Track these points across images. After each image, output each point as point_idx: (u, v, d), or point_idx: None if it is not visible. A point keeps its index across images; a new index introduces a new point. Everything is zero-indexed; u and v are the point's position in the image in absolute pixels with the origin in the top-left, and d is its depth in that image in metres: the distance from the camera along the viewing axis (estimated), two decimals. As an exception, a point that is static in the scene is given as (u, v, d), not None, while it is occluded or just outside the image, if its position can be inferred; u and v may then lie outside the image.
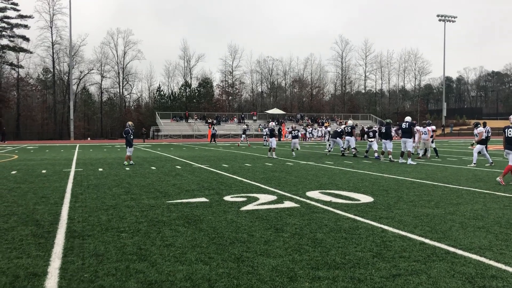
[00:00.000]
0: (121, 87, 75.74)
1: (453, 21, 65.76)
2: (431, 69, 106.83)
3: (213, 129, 40.85)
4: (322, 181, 10.66)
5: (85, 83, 73.93)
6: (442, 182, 10.42)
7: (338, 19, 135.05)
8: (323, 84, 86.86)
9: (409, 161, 15.54)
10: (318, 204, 7.41)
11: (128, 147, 15.64)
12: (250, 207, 7.12)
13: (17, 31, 63.66)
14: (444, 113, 68.03)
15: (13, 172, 13.07)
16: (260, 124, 57.70)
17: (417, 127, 18.76)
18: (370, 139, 18.92)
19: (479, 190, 9.02)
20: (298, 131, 22.46)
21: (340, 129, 20.75)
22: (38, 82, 71.71)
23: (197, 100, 75.43)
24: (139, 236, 5.28)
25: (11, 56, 64.60)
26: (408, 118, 16.52)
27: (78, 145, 36.31)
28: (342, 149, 20.39)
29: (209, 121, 55.90)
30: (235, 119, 63.15)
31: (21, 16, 62.90)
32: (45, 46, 66.61)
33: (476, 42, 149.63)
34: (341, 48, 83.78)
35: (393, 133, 17.73)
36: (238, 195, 8.41)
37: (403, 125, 16.21)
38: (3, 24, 62.93)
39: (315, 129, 48.32)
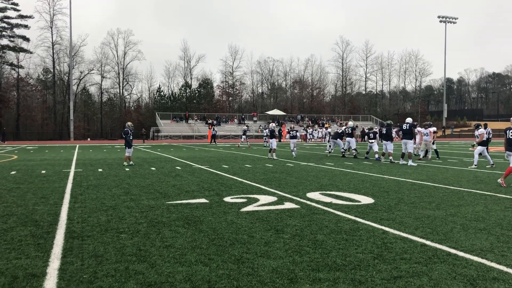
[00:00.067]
0: (121, 88, 75.80)
1: (454, 22, 65.79)
2: (432, 70, 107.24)
3: (213, 130, 40.84)
4: (323, 182, 10.63)
5: (85, 84, 74.02)
6: (443, 183, 10.39)
7: (339, 20, 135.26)
8: (324, 85, 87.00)
9: (410, 163, 15.51)
10: (318, 205, 7.38)
11: (127, 147, 15.59)
12: (250, 208, 7.09)
13: (17, 31, 63.82)
14: (445, 115, 68.01)
15: (13, 173, 13.05)
16: (260, 125, 57.69)
17: (419, 128, 18.73)
18: (370, 140, 18.90)
19: (480, 192, 9.00)
20: (297, 131, 22.46)
21: (341, 130, 20.74)
22: (38, 82, 71.73)
23: (197, 101, 75.44)
24: (139, 237, 5.26)
25: (11, 56, 64.75)
26: (409, 119, 16.50)
27: (77, 145, 36.30)
28: (342, 150, 20.37)
29: (209, 122, 55.88)
30: (235, 120, 63.14)
31: (21, 16, 62.97)
32: (45, 46, 66.75)
33: (477, 44, 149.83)
34: (342, 49, 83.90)
35: (393, 134, 17.71)
36: (238, 196, 8.39)
37: (404, 126, 16.19)
38: (3, 24, 63.01)
39: (315, 130, 48.29)
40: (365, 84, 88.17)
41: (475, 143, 15.43)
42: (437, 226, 5.84)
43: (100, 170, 13.89)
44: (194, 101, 75.18)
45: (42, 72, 71.12)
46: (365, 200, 7.92)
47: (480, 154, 14.84)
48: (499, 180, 10.14)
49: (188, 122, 60.12)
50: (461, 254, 4.56)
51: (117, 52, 74.01)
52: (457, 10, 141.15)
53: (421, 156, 18.41)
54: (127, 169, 14.02)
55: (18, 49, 63.72)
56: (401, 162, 16.03)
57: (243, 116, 63.90)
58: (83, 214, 6.68)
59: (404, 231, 5.53)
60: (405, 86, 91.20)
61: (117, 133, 66.19)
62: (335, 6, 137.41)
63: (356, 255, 4.51)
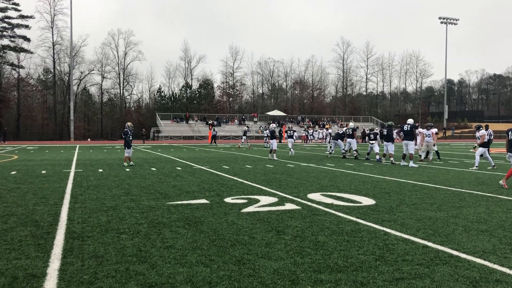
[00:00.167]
0: (121, 88, 75.87)
1: (455, 24, 65.75)
2: (433, 71, 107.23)
3: (214, 130, 40.82)
4: (323, 183, 10.61)
5: (85, 84, 74.10)
6: (444, 185, 10.36)
7: (339, 21, 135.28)
8: (324, 86, 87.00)
9: (411, 164, 15.48)
10: (319, 206, 7.35)
11: (126, 148, 15.54)
12: (251, 209, 7.07)
13: (18, 31, 63.86)
14: (446, 116, 67.97)
15: (13, 173, 13.03)
16: (260, 126, 57.67)
17: (420, 129, 18.70)
18: (371, 141, 18.87)
19: (482, 193, 8.97)
20: (294, 131, 22.54)
21: (342, 131, 20.73)
22: (39, 83, 71.80)
23: (197, 101, 75.46)
24: (139, 237, 5.24)
25: (11, 56, 64.80)
26: (410, 121, 16.48)
27: (78, 145, 36.29)
28: (343, 151, 20.35)
29: (209, 122, 55.87)
30: (236, 121, 63.13)
31: (22, 16, 63.01)
32: (46, 47, 66.89)
33: (478, 45, 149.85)
34: (343, 50, 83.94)
35: (394, 135, 17.69)
36: (239, 197, 8.36)
37: (405, 127, 16.16)
38: (4, 24, 63.05)
39: (316, 131, 48.29)
40: (366, 85, 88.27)
41: (476, 144, 15.40)
42: (439, 227, 5.81)
43: (100, 170, 13.87)
44: (195, 102, 75.20)
45: (43, 72, 71.25)
46: (366, 201, 7.90)
47: (481, 155, 14.82)
48: (500, 182, 10.11)
49: (189, 122, 60.12)
50: (463, 256, 4.53)
51: (117, 52, 74.17)
52: (458, 11, 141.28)
53: (422, 157, 18.39)
54: (127, 170, 14.00)
55: (18, 49, 63.77)
56: (402, 163, 16.01)
57: (243, 117, 63.88)
58: (83, 214, 6.66)
59: (406, 233, 5.50)
60: (406, 87, 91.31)
61: (118, 134, 66.22)
62: (336, 7, 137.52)
63: (357, 256, 4.48)
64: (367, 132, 21.54)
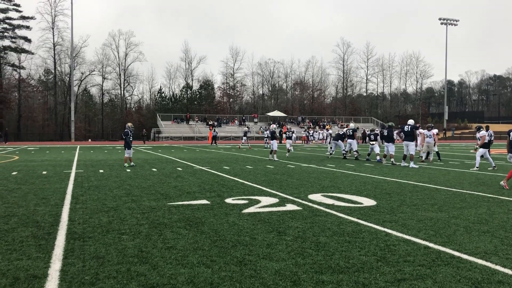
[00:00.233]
0: (122, 89, 75.90)
1: (455, 25, 65.77)
2: (433, 72, 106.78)
3: (214, 131, 40.84)
4: (324, 184, 10.60)
5: (86, 85, 74.16)
6: (445, 185, 10.35)
7: (339, 22, 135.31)
8: (325, 87, 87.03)
9: (412, 165, 15.47)
10: (320, 207, 7.35)
11: (126, 148, 15.54)
12: (252, 209, 7.06)
13: (19, 32, 63.96)
14: (446, 117, 67.96)
15: (14, 173, 13.03)
16: (261, 127, 57.67)
17: (421, 130, 18.70)
18: (372, 142, 18.86)
19: (483, 194, 8.96)
20: (293, 132, 22.61)
21: (342, 132, 20.73)
22: (39, 83, 71.84)
23: (198, 102, 75.48)
24: (140, 238, 5.23)
25: (12, 57, 64.91)
26: (411, 121, 16.47)
27: (78, 146, 36.30)
28: (343, 152, 20.34)
29: (210, 123, 55.88)
30: (236, 121, 63.13)
31: (23, 17, 63.09)
32: (47, 47, 66.86)
33: (478, 46, 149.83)
34: (343, 50, 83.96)
35: (395, 136, 17.67)
36: (240, 197, 8.36)
37: (406, 128, 16.15)
38: (5, 25, 63.11)
39: (316, 131, 48.27)
40: (366, 86, 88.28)
41: (477, 145, 15.39)
42: (440, 228, 5.81)
43: (101, 171, 13.87)
44: (195, 102, 75.22)
45: (44, 73, 71.32)
46: (367, 202, 7.89)
47: (482, 156, 14.81)
48: (501, 183, 10.10)
49: (189, 123, 60.14)
50: (465, 257, 4.52)
51: (118, 53, 74.20)
52: (458, 12, 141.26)
53: (423, 158, 18.38)
54: (128, 170, 14.00)
55: (19, 50, 63.85)
56: (403, 164, 15.99)
57: (243, 118, 63.88)
58: (84, 215, 6.66)
59: (407, 233, 5.49)
60: (406, 88, 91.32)
61: (118, 134, 66.21)
62: (336, 8, 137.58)
63: (359, 257, 4.47)
64: (368, 132, 21.53)
